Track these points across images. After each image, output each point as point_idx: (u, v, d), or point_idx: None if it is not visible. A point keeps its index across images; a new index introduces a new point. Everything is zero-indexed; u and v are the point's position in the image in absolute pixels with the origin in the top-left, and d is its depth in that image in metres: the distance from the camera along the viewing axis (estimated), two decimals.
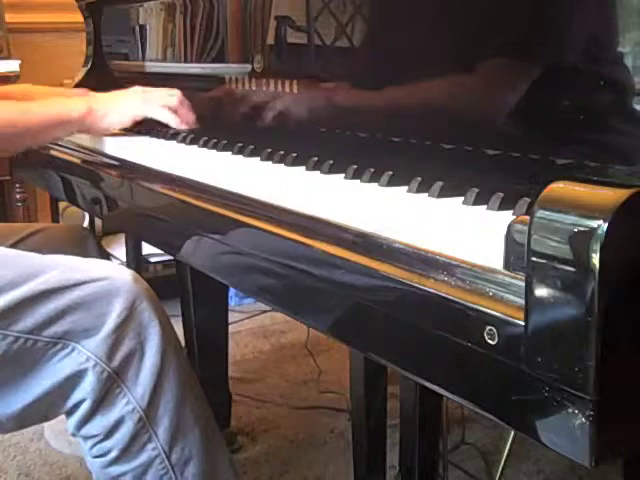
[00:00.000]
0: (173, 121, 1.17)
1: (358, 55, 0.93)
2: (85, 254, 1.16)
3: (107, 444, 0.91)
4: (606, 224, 0.44)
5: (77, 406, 0.90)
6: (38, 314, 0.88)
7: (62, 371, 0.89)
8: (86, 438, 0.92)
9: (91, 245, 1.30)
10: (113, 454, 0.91)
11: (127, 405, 0.90)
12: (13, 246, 1.17)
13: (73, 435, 0.94)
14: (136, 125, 1.19)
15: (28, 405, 0.91)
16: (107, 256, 1.42)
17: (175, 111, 1.17)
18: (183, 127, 1.17)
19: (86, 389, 0.89)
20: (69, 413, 0.92)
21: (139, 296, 0.91)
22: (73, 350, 0.89)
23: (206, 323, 1.61)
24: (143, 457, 0.91)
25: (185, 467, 0.93)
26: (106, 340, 0.89)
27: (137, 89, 1.21)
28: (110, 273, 0.93)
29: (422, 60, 0.83)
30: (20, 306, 0.88)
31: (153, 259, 2.45)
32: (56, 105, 1.18)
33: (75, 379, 0.89)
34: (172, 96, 1.18)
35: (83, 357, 0.89)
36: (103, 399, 0.90)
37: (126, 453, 0.91)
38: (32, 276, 0.90)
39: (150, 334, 0.91)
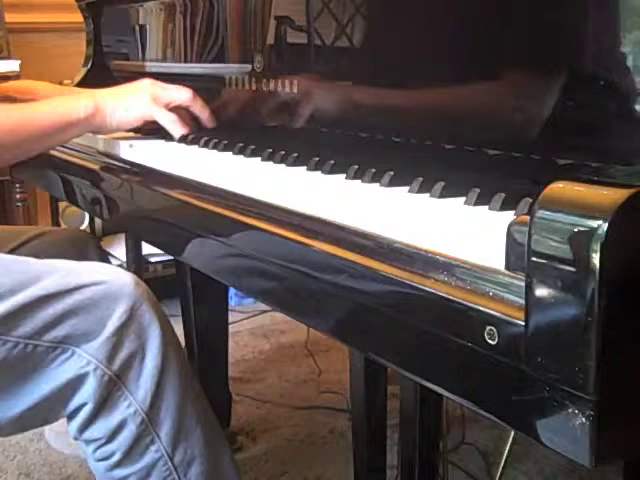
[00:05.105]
0: (176, 130, 1.12)
1: (358, 55, 0.93)
2: (86, 258, 1.16)
3: (110, 447, 0.91)
4: (606, 224, 0.44)
5: (78, 410, 0.90)
6: (38, 319, 0.88)
7: (62, 375, 0.89)
8: (88, 442, 0.92)
9: (92, 249, 1.28)
10: (116, 457, 0.91)
11: (129, 408, 0.90)
12: (14, 250, 1.17)
13: (75, 439, 0.93)
14: (146, 124, 1.15)
15: (28, 409, 0.90)
16: (108, 260, 1.40)
17: (187, 107, 1.13)
18: (185, 132, 1.12)
19: (87, 393, 0.89)
20: (70, 417, 0.91)
21: (139, 299, 0.91)
22: (73, 354, 0.88)
23: (206, 323, 1.61)
24: (146, 459, 0.91)
25: (188, 468, 0.93)
26: (106, 343, 0.88)
27: (146, 82, 1.13)
28: (109, 276, 0.92)
29: (423, 60, 0.83)
30: (20, 312, 0.87)
31: (153, 259, 2.46)
32: (61, 105, 1.09)
33: (76, 383, 0.89)
34: (184, 93, 1.12)
35: (83, 361, 0.88)
36: (104, 402, 0.89)
37: (129, 456, 0.91)
38: (31, 282, 0.89)
39: (150, 336, 0.90)
